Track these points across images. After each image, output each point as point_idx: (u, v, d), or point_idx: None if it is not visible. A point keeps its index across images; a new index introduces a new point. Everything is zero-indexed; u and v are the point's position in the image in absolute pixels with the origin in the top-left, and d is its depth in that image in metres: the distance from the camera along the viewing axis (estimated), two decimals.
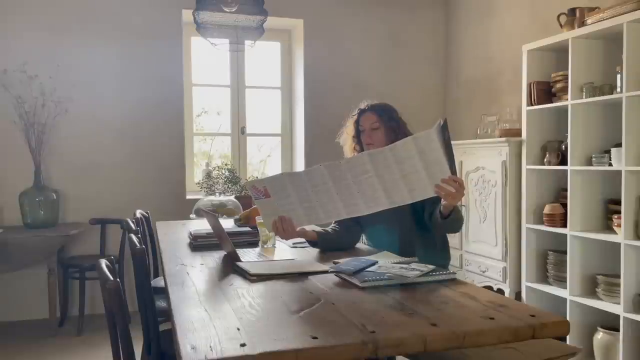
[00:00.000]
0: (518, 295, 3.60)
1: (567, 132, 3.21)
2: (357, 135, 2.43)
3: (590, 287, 3.13)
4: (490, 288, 3.67)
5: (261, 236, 2.38)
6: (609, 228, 3.07)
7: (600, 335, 3.00)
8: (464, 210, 3.99)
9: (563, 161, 3.27)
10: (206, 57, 4.65)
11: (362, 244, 2.46)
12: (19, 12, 4.00)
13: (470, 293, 1.59)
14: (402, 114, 2.46)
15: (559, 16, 3.35)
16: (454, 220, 2.06)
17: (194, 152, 4.73)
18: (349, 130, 2.48)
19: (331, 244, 2.27)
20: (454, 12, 4.87)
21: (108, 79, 4.20)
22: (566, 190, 3.21)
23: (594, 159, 3.05)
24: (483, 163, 3.88)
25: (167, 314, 1.82)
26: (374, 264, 1.89)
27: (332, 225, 2.40)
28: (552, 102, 3.38)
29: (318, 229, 2.39)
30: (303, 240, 2.39)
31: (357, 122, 2.42)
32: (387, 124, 2.36)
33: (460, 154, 4.05)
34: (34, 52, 4.01)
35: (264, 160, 5.08)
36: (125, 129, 4.24)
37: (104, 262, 1.55)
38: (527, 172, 3.51)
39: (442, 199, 1.95)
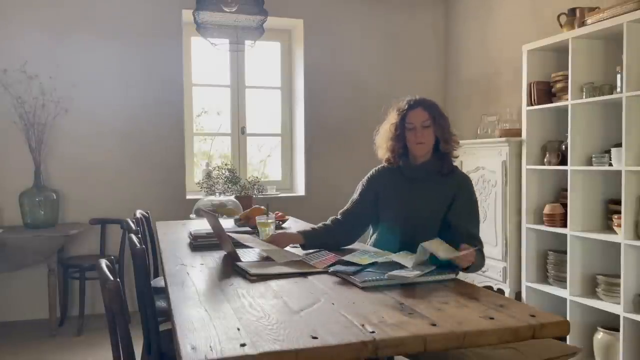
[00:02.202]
0: (518, 295, 3.60)
1: (567, 132, 3.21)
2: (402, 133, 2.28)
3: (590, 287, 3.13)
4: (490, 288, 3.67)
5: (261, 236, 2.38)
6: (609, 228, 3.07)
7: (600, 335, 3.00)
8: None
9: (563, 161, 3.27)
10: (206, 57, 4.65)
11: (361, 244, 2.45)
12: (19, 12, 4.00)
13: (470, 293, 1.59)
14: None
15: (559, 16, 3.35)
16: (473, 268, 2.08)
17: (194, 152, 4.73)
18: (392, 127, 2.32)
19: (319, 243, 2.25)
20: (454, 12, 4.87)
21: (108, 79, 4.20)
22: (566, 190, 3.21)
23: (594, 159, 3.05)
24: (483, 163, 3.88)
25: (167, 314, 1.82)
26: (374, 264, 1.89)
27: (330, 219, 2.39)
28: (552, 102, 3.38)
29: (306, 227, 2.39)
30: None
31: (403, 119, 2.28)
32: (439, 121, 2.26)
33: (461, 154, 4.04)
34: (34, 52, 4.00)
35: (264, 160, 5.08)
36: (125, 129, 4.24)
37: (104, 262, 1.55)
38: (527, 172, 3.51)
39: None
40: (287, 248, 2.22)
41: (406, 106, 2.29)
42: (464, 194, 2.26)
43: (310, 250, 2.18)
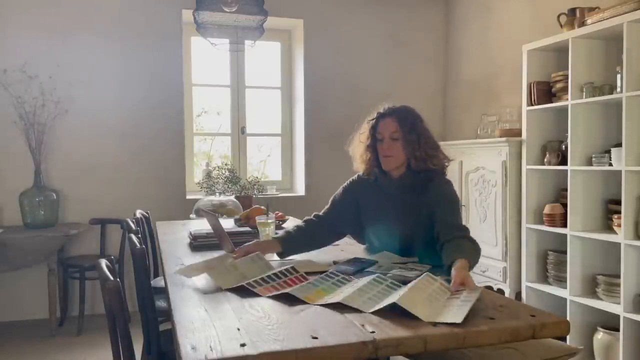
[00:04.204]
0: (518, 295, 3.60)
1: (567, 132, 3.20)
2: (373, 144, 2.14)
3: (590, 287, 3.13)
4: (490, 288, 3.67)
5: (261, 236, 2.38)
6: (609, 228, 3.07)
7: (600, 335, 3.00)
8: (464, 211, 3.99)
9: (563, 161, 3.27)
10: (206, 57, 4.65)
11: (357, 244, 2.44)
12: (19, 12, 4.00)
13: (471, 293, 1.58)
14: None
15: (559, 16, 3.35)
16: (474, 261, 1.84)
17: (194, 152, 4.73)
18: (362, 137, 2.18)
19: (298, 248, 2.16)
20: (454, 12, 4.87)
21: (108, 79, 4.20)
22: (566, 190, 3.21)
23: (594, 159, 3.05)
24: (483, 163, 3.88)
25: (167, 314, 1.82)
26: (374, 263, 1.89)
27: (304, 221, 2.27)
28: (552, 102, 3.38)
29: (278, 233, 2.25)
30: None
31: (374, 129, 2.12)
32: (408, 136, 2.06)
33: (460, 154, 4.05)
34: (34, 52, 4.00)
35: (264, 160, 5.08)
36: (125, 129, 4.24)
37: (104, 262, 1.56)
38: (527, 172, 3.51)
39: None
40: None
41: (376, 115, 2.14)
42: (439, 201, 2.06)
43: (282, 267, 1.81)
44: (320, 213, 2.31)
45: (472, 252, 1.84)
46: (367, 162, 2.19)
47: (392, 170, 2.14)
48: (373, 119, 2.15)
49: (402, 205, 2.13)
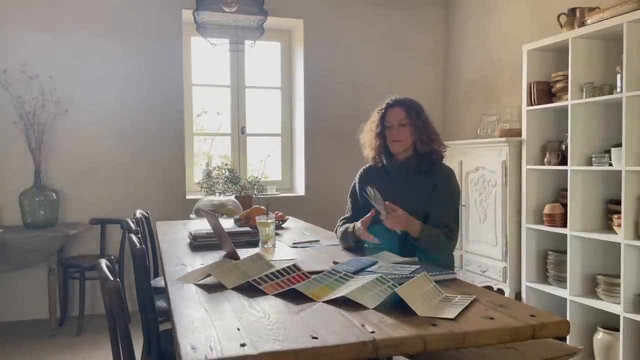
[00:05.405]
0: (518, 295, 3.60)
1: (567, 132, 3.20)
2: (382, 132, 2.38)
3: (590, 287, 3.13)
4: (490, 288, 3.67)
5: (261, 236, 2.38)
6: (609, 228, 3.07)
7: (600, 335, 3.00)
8: (464, 211, 3.99)
9: (563, 161, 3.27)
10: (206, 57, 4.65)
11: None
12: (19, 12, 4.00)
13: (470, 293, 1.59)
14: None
15: (559, 16, 3.35)
16: (428, 243, 2.13)
17: (194, 152, 4.73)
18: (373, 125, 2.43)
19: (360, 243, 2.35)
20: (454, 12, 4.87)
21: (108, 78, 4.20)
22: (566, 190, 3.21)
23: (594, 159, 3.05)
24: (483, 163, 3.88)
25: (167, 314, 1.82)
26: (374, 263, 1.89)
27: (341, 225, 2.42)
28: (552, 102, 3.38)
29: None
30: (303, 240, 2.40)
31: (383, 118, 2.38)
32: (414, 121, 2.33)
33: (460, 154, 4.05)
34: (34, 52, 4.00)
35: (264, 160, 5.08)
36: (125, 129, 4.24)
37: (104, 262, 1.56)
38: (527, 172, 3.51)
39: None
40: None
41: (385, 105, 2.39)
42: (441, 185, 2.30)
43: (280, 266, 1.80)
44: (346, 215, 2.48)
45: (435, 237, 2.14)
46: (376, 148, 2.42)
47: (399, 154, 2.37)
48: (382, 109, 2.39)
49: (407, 185, 2.33)
